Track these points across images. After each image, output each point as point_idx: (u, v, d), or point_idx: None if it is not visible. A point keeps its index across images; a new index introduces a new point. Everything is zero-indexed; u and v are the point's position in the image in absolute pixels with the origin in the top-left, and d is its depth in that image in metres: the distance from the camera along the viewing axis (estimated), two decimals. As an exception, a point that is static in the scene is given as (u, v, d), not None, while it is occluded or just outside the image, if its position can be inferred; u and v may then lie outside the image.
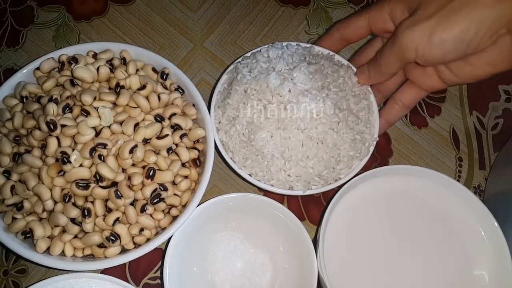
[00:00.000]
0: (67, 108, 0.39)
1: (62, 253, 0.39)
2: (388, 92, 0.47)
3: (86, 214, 0.37)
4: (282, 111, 0.41)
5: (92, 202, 0.38)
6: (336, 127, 0.41)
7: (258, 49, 0.46)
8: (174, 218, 0.41)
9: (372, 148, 0.44)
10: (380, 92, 0.47)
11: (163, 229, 0.41)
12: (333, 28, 0.47)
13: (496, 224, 0.40)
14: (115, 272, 0.45)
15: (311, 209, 0.49)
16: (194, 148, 0.43)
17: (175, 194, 0.41)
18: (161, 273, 0.45)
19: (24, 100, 0.42)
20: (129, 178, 0.38)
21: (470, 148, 0.53)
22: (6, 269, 0.46)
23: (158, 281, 0.46)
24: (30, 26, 0.57)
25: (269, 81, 0.41)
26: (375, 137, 0.44)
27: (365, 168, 0.44)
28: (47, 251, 0.38)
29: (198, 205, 0.41)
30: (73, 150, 0.38)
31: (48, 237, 0.39)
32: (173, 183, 0.41)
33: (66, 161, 0.37)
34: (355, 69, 0.46)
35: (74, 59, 0.43)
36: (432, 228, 0.43)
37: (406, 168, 0.44)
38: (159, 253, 0.47)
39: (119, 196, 0.37)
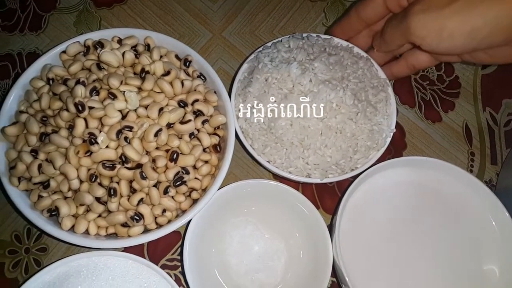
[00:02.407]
0: (94, 91, 0.40)
1: (86, 232, 0.40)
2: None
3: (112, 193, 0.38)
4: (302, 100, 0.41)
5: (118, 183, 0.39)
6: (354, 118, 0.42)
7: (279, 39, 0.47)
8: (194, 201, 0.42)
9: (389, 139, 0.45)
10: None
11: (184, 211, 0.42)
12: (351, 10, 0.46)
13: (508, 215, 0.41)
14: (134, 253, 0.46)
15: (325, 198, 0.50)
16: (215, 134, 0.44)
17: (196, 178, 0.42)
18: (180, 254, 0.46)
19: (50, 82, 0.43)
20: (154, 160, 0.39)
21: (483, 144, 0.54)
22: (28, 247, 0.47)
23: (176, 262, 0.47)
24: (52, 11, 0.58)
25: (291, 70, 0.42)
26: (392, 129, 0.45)
27: (380, 160, 0.45)
28: (72, 229, 0.39)
29: (217, 190, 0.42)
30: (100, 132, 0.39)
31: (73, 216, 0.40)
32: (194, 167, 0.42)
33: (94, 142, 0.38)
34: (374, 62, 0.47)
35: (99, 44, 0.44)
36: (445, 220, 0.44)
37: (421, 160, 0.45)
38: (177, 236, 0.48)
39: (144, 177, 0.38)
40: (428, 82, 0.57)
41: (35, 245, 0.47)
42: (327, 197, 0.50)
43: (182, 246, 0.43)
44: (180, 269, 0.47)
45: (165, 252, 0.47)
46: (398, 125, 0.54)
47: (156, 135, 0.39)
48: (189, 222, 0.42)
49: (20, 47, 0.56)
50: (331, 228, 0.43)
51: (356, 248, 0.42)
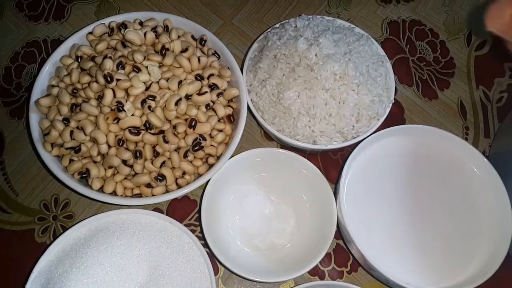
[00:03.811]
0: (120, 65, 0.44)
1: (114, 193, 0.44)
2: None
3: (137, 156, 0.42)
4: (308, 72, 0.46)
5: (142, 147, 0.43)
6: (356, 89, 0.46)
7: (287, 20, 0.51)
8: (210, 166, 0.46)
9: (388, 109, 0.48)
10: None
11: (201, 175, 0.46)
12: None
13: (498, 177, 0.45)
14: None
15: (329, 168, 0.54)
16: (229, 106, 0.48)
17: (211, 145, 0.46)
18: (198, 219, 0.50)
19: (79, 59, 0.47)
20: (174, 127, 0.43)
21: (476, 119, 0.58)
22: (55, 215, 0.51)
23: (193, 227, 0.50)
24: (74, 2, 0.62)
25: (298, 45, 0.46)
26: (391, 99, 0.49)
27: (380, 129, 0.49)
28: (101, 190, 0.43)
29: (230, 158, 0.46)
30: (126, 101, 0.43)
31: (101, 178, 0.44)
32: (210, 136, 0.46)
33: (121, 109, 0.42)
34: (374, 40, 0.51)
35: (123, 25, 0.48)
36: (440, 182, 0.47)
37: (418, 128, 0.48)
38: (193, 204, 0.52)
39: (166, 141, 0.42)
40: (425, 63, 0.61)
41: (62, 213, 0.51)
42: (332, 168, 0.54)
43: (199, 212, 0.47)
44: (197, 233, 0.50)
45: (183, 218, 0.51)
46: (397, 102, 0.58)
47: (176, 104, 0.43)
48: (204, 189, 0.46)
49: (45, 35, 0.60)
50: (335, 192, 0.47)
51: (359, 208, 0.46)
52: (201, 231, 0.45)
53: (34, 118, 0.45)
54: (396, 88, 0.59)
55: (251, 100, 0.49)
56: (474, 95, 0.59)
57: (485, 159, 0.47)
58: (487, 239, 0.45)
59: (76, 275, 0.38)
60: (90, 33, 0.49)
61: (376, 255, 0.42)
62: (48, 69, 0.48)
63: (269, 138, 0.55)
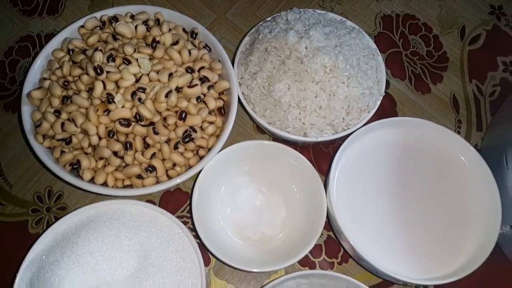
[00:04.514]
0: (111, 58, 0.44)
1: (105, 184, 0.44)
2: None
3: (127, 147, 0.42)
4: (299, 65, 0.46)
5: (133, 139, 0.43)
6: (346, 81, 0.46)
7: (278, 13, 0.51)
8: (201, 158, 0.46)
9: (379, 102, 0.49)
10: None
11: (191, 167, 0.46)
12: None
13: (488, 168, 0.45)
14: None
15: (321, 161, 0.54)
16: (220, 99, 0.48)
17: (202, 137, 0.46)
18: (190, 211, 0.50)
19: (70, 52, 0.47)
20: (165, 119, 0.44)
21: (469, 112, 0.58)
22: (49, 206, 0.51)
23: (185, 219, 0.51)
24: (68, -3, 0.63)
25: (288, 38, 0.46)
26: (381, 92, 0.49)
27: (370, 122, 0.49)
28: (92, 181, 0.44)
29: (221, 151, 0.47)
30: (117, 93, 0.43)
31: (93, 169, 0.44)
32: (201, 128, 0.47)
33: (111, 101, 0.42)
34: (365, 34, 0.51)
35: (114, 19, 0.48)
36: (430, 174, 0.48)
37: (408, 120, 0.49)
38: (185, 196, 0.52)
39: (156, 133, 0.43)
40: (418, 57, 0.61)
41: (55, 204, 0.51)
42: (323, 161, 0.54)
43: (190, 204, 0.47)
44: (189, 224, 0.51)
45: (175, 210, 0.51)
46: (389, 96, 0.58)
47: (166, 96, 0.43)
48: (196, 180, 0.46)
49: (39, 29, 0.61)
50: (326, 184, 0.47)
51: (348, 199, 0.46)
52: (193, 223, 0.46)
53: (26, 110, 0.45)
54: (388, 82, 0.59)
55: (242, 93, 0.49)
56: (467, 89, 0.59)
57: (475, 151, 0.47)
58: (476, 231, 0.45)
59: (67, 264, 0.39)
60: (82, 26, 0.49)
61: (365, 246, 0.42)
62: (40, 62, 0.48)
63: (261, 131, 0.55)
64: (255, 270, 0.43)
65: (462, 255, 0.44)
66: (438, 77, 0.60)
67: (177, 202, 0.52)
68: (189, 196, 0.52)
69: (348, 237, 0.43)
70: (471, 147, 0.47)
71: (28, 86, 0.46)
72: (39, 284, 0.39)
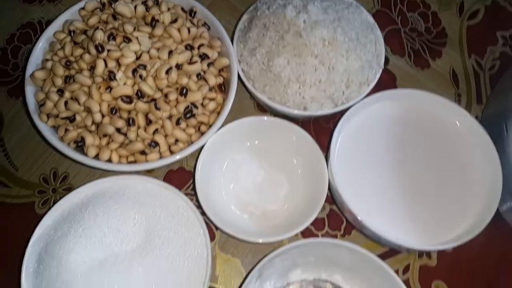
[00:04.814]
0: (111, 37, 0.45)
1: (109, 161, 0.45)
2: None
3: (130, 123, 0.43)
4: (297, 39, 0.46)
5: (135, 115, 0.44)
6: (345, 54, 0.47)
7: (276, -10, 0.51)
8: (203, 135, 0.47)
9: (378, 75, 0.49)
10: None
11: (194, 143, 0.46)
12: None
13: (487, 135, 0.46)
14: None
15: (321, 137, 0.53)
16: (220, 76, 0.49)
17: (203, 114, 0.47)
18: (194, 189, 0.50)
19: (72, 34, 0.48)
20: (166, 95, 0.44)
21: (469, 86, 0.58)
22: (54, 188, 0.52)
23: (189, 196, 0.51)
24: (68, -17, 0.63)
25: (286, 12, 0.46)
26: (381, 65, 0.49)
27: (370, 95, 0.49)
28: (96, 158, 0.44)
29: (222, 127, 0.47)
30: (118, 71, 0.44)
31: (97, 146, 0.45)
32: (202, 105, 0.47)
33: (113, 78, 0.43)
34: (363, 9, 0.52)
35: (114, 0, 0.49)
36: (432, 143, 0.48)
37: (408, 92, 0.49)
38: (189, 175, 0.52)
39: (157, 108, 0.43)
40: (417, 33, 0.61)
41: (61, 185, 0.52)
42: (324, 137, 0.54)
43: (194, 182, 0.48)
44: (193, 202, 0.51)
45: (178, 188, 0.51)
46: (389, 72, 0.59)
47: (167, 73, 0.44)
48: (198, 157, 0.47)
49: (40, 16, 0.61)
50: (326, 158, 0.48)
51: (349, 170, 0.46)
52: (197, 199, 0.46)
53: (29, 91, 0.46)
54: (388, 59, 0.60)
55: (242, 70, 0.49)
56: (467, 64, 0.59)
57: (473, 119, 0.47)
58: (477, 198, 0.45)
59: (74, 237, 0.40)
60: (82, 8, 0.49)
61: (367, 215, 0.43)
62: (42, 44, 0.49)
63: (261, 109, 0.56)
64: (259, 240, 0.44)
65: (463, 222, 0.45)
66: (437, 53, 0.60)
67: (180, 180, 0.52)
68: (192, 175, 0.53)
69: (350, 207, 0.43)
70: (470, 116, 0.47)
71: (31, 67, 0.47)
72: (48, 257, 0.40)
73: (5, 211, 0.51)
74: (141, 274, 0.40)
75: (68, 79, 0.45)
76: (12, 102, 0.56)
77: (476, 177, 0.46)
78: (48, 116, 0.45)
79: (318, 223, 0.50)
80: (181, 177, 0.53)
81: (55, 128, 0.46)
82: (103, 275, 0.39)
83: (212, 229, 0.49)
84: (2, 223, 0.50)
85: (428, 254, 0.49)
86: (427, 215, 0.45)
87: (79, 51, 0.45)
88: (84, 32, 0.47)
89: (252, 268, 0.42)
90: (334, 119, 0.55)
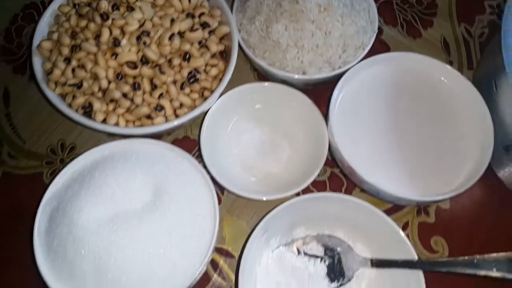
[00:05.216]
0: (115, 7, 0.47)
1: (116, 125, 0.46)
2: None
3: (136, 87, 0.45)
4: (294, 5, 0.48)
5: (141, 80, 0.45)
6: (341, 20, 0.49)
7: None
8: (206, 100, 0.49)
9: (373, 39, 0.51)
10: None
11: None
12: None
13: (477, 92, 0.48)
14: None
15: (321, 104, 0.54)
16: (221, 43, 0.51)
17: (206, 79, 0.48)
18: (199, 156, 0.52)
19: (76, 6, 0.49)
20: (169, 61, 0.46)
21: (459, 53, 0.60)
22: (62, 158, 0.53)
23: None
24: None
25: (282, -20, 0.48)
26: (375, 30, 0.51)
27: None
28: (104, 123, 0.46)
29: (224, 94, 0.49)
30: (122, 38, 0.45)
31: (104, 112, 0.46)
32: (205, 71, 0.49)
33: (118, 44, 0.44)
34: (355, -22, 0.54)
35: (116, -27, 0.50)
36: (426, 102, 0.50)
37: (402, 54, 0.51)
38: (194, 144, 0.54)
39: (162, 72, 0.45)
40: (408, 5, 0.63)
41: (68, 156, 0.54)
42: (323, 104, 0.55)
43: (199, 150, 0.50)
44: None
45: (183, 155, 0.54)
46: (383, 42, 0.61)
47: (170, 39, 0.46)
48: (202, 123, 0.49)
49: (42, -3, 0.63)
50: (326, 120, 0.49)
51: (348, 130, 0.48)
52: (203, 164, 0.47)
53: (37, 61, 0.48)
54: (382, 29, 0.62)
55: (242, 38, 0.51)
56: (457, 32, 0.62)
57: (464, 78, 0.50)
58: (470, 152, 0.47)
59: (85, 196, 0.41)
60: (86, -18, 0.51)
61: (367, 170, 0.45)
62: (47, 18, 0.50)
63: (262, 79, 0.57)
64: (263, 198, 0.46)
65: (458, 176, 0.47)
66: (428, 23, 0.62)
67: (185, 149, 0.53)
68: (197, 143, 0.54)
69: (350, 163, 0.45)
70: (461, 75, 0.50)
71: (37, 39, 0.48)
72: (59, 216, 0.41)
73: (14, 182, 0.52)
74: (151, 230, 0.41)
75: (74, 49, 0.46)
76: (19, 78, 0.57)
77: (468, 133, 0.48)
78: (56, 84, 0.46)
79: (319, 185, 0.52)
80: (186, 146, 0.54)
81: (63, 96, 0.47)
82: (114, 231, 0.40)
83: (218, 193, 0.50)
84: (11, 193, 0.52)
85: (426, 211, 0.51)
86: (424, 170, 0.47)
87: (84, 22, 0.47)
88: (89, 4, 0.48)
89: (257, 224, 0.43)
90: (331, 88, 0.57)
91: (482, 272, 0.40)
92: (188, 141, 0.54)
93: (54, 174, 0.52)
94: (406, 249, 0.43)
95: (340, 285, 0.45)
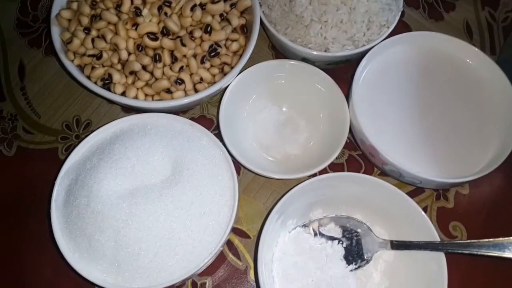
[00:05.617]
0: (136, -23, 0.45)
1: (135, 99, 0.45)
2: None
3: (156, 59, 0.44)
4: (319, -21, 0.47)
5: (161, 52, 0.44)
6: (366, -4, 0.48)
7: None
8: (226, 75, 0.48)
9: (397, 18, 0.50)
10: None
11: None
12: None
13: (504, 75, 0.47)
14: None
15: (342, 85, 0.54)
16: (242, 17, 0.49)
17: (226, 54, 0.47)
18: (217, 135, 0.52)
19: (95, -23, 0.48)
20: (191, 33, 0.45)
21: (482, 38, 0.59)
22: (78, 134, 0.53)
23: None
24: None
25: (308, -47, 0.47)
26: (400, 8, 0.50)
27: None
28: (123, 95, 0.45)
29: (244, 71, 0.48)
30: (143, 8, 0.44)
31: (123, 85, 0.45)
32: (225, 46, 0.48)
33: (139, 14, 0.43)
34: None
35: None
36: (451, 83, 0.49)
37: (429, 34, 0.50)
38: (210, 123, 0.53)
39: (183, 44, 0.44)
40: (431, -13, 0.62)
41: (83, 132, 0.53)
42: (344, 86, 0.55)
43: (216, 128, 0.49)
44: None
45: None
46: (405, 24, 0.60)
47: (192, 10, 0.45)
48: (220, 101, 0.48)
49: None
50: (348, 100, 0.48)
51: (370, 110, 0.47)
52: (221, 141, 0.46)
53: (55, 31, 0.47)
54: (403, 11, 0.60)
55: (263, 13, 0.50)
56: (480, 16, 0.60)
57: (490, 60, 0.49)
58: (494, 136, 0.47)
59: (104, 168, 0.40)
60: (105, -48, 0.50)
61: (389, 150, 0.44)
62: (65, -12, 0.49)
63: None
64: (281, 177, 0.45)
65: (481, 159, 0.46)
66: (450, 6, 0.61)
67: (205, 124, 0.52)
68: (214, 122, 0.53)
69: (372, 143, 0.44)
70: (486, 56, 0.49)
71: (56, 8, 0.47)
72: (78, 188, 0.41)
73: (29, 156, 0.51)
74: (170, 204, 0.40)
75: (94, 18, 0.45)
76: (34, 52, 0.56)
77: (493, 117, 0.47)
78: (75, 54, 0.45)
79: (337, 168, 0.51)
80: (202, 124, 0.53)
81: (81, 67, 0.46)
82: (133, 204, 0.39)
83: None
84: (27, 167, 0.51)
85: (445, 196, 0.50)
86: (447, 152, 0.46)
87: (104, -7, 0.46)
88: (108, -26, 0.47)
89: (274, 206, 0.42)
90: (351, 70, 0.56)
91: (507, 254, 0.39)
92: (204, 119, 0.53)
93: (69, 150, 0.52)
94: (428, 231, 0.42)
95: (358, 267, 0.45)
